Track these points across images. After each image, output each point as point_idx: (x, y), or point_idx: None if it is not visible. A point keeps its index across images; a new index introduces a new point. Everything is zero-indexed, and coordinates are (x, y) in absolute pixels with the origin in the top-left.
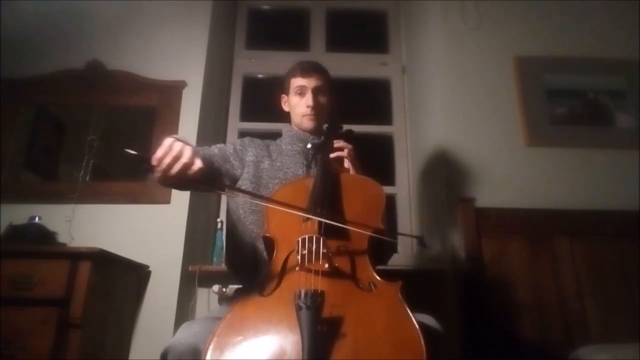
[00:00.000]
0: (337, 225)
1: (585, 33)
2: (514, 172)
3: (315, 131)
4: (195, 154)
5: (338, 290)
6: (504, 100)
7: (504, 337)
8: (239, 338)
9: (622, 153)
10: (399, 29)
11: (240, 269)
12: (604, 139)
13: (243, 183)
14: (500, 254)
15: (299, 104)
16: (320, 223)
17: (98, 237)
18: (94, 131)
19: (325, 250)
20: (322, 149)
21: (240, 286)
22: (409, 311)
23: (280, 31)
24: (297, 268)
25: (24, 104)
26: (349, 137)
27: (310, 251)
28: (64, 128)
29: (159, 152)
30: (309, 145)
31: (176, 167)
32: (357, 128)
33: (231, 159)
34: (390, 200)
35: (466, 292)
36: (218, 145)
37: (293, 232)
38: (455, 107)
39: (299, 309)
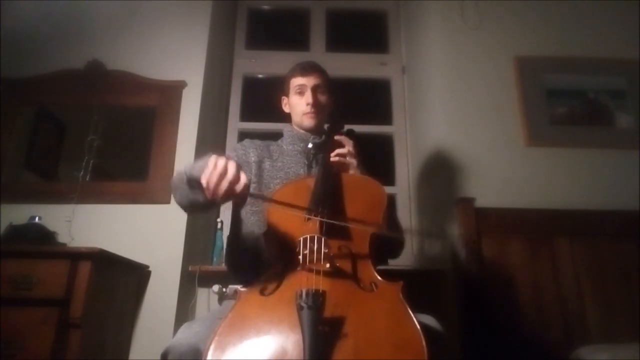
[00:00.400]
0: (338, 224)
1: (585, 33)
2: (514, 172)
3: (316, 130)
4: (239, 168)
5: (339, 290)
6: (504, 100)
7: (504, 337)
8: (240, 338)
9: (622, 153)
10: (399, 29)
11: (240, 269)
12: (604, 139)
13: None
14: (500, 254)
15: (299, 102)
16: (321, 223)
17: (98, 237)
18: (94, 131)
19: (326, 250)
20: (323, 148)
21: (240, 286)
22: (410, 311)
23: (280, 31)
24: (299, 268)
25: (24, 104)
26: (350, 136)
27: (311, 251)
28: (64, 128)
29: (206, 173)
30: (309, 145)
31: (224, 185)
32: (357, 128)
33: (242, 164)
34: (391, 199)
35: (466, 292)
36: (228, 154)
37: (294, 231)
38: (455, 107)
39: (300, 308)
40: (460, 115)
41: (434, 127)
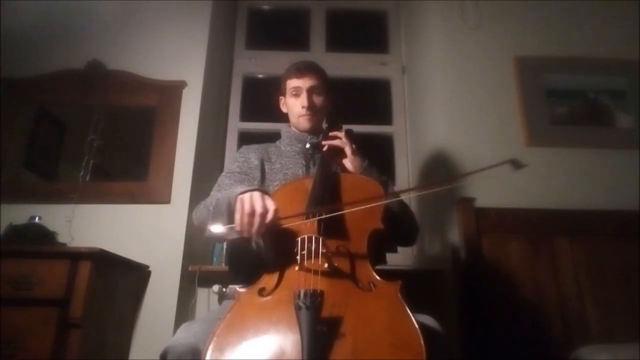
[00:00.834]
0: (335, 221)
1: (585, 33)
2: (514, 172)
3: (313, 131)
4: (263, 199)
5: (337, 290)
6: (504, 100)
7: (503, 337)
8: (239, 338)
9: (622, 153)
10: (399, 29)
11: (241, 269)
12: (604, 139)
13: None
14: (500, 254)
15: (295, 104)
16: (319, 223)
17: (98, 237)
18: (94, 131)
19: (324, 250)
20: (321, 148)
21: (240, 286)
22: (408, 311)
23: (280, 31)
24: (297, 268)
25: (24, 104)
26: (348, 136)
27: (309, 251)
28: (64, 128)
29: (237, 219)
30: (307, 145)
31: (256, 223)
32: (357, 128)
33: (243, 176)
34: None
35: (466, 292)
36: (223, 175)
37: (293, 232)
38: (455, 107)
39: (298, 308)
40: (460, 115)
41: (434, 127)
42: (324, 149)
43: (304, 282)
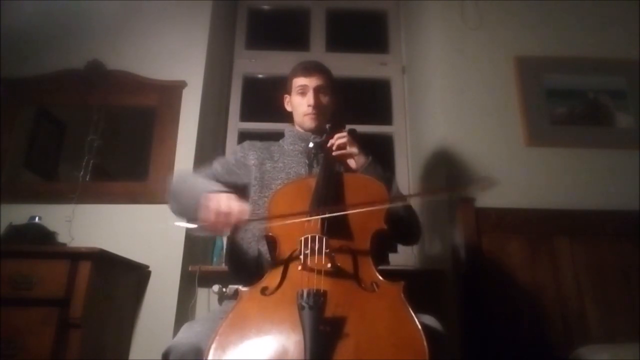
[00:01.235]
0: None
1: (585, 33)
2: (514, 172)
3: (317, 130)
4: (239, 204)
5: (340, 290)
6: (504, 100)
7: (504, 337)
8: (241, 338)
9: (622, 153)
10: (399, 29)
11: (241, 269)
12: (604, 139)
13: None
14: (500, 253)
15: (300, 103)
16: (322, 222)
17: (98, 237)
18: (94, 131)
19: (327, 250)
20: (324, 147)
21: (240, 286)
22: (411, 312)
23: (280, 31)
24: (300, 267)
25: (24, 104)
26: (351, 136)
27: (312, 251)
28: (64, 128)
29: (203, 215)
30: (310, 145)
31: (221, 222)
32: (358, 128)
33: (235, 169)
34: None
35: (466, 292)
36: (220, 160)
37: (295, 231)
38: (455, 107)
39: (301, 308)
40: (460, 115)
41: (434, 127)
42: (333, 148)
43: (307, 282)
